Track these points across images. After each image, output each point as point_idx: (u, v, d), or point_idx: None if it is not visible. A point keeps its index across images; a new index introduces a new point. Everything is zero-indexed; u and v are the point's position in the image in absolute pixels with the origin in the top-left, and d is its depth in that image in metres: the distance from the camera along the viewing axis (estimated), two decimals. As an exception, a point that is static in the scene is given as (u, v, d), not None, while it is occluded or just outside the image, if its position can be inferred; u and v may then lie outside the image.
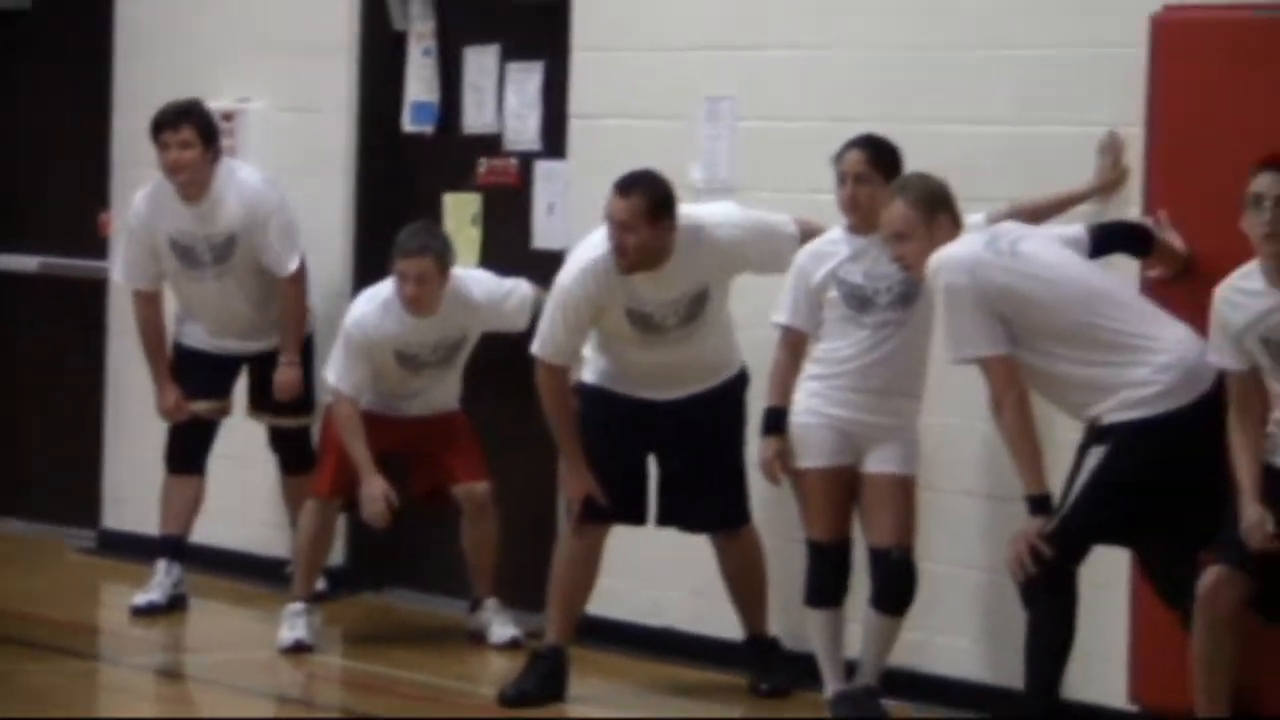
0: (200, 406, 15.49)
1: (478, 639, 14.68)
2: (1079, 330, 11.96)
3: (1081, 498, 11.69)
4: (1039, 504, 11.80)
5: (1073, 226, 12.42)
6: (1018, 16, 13.37)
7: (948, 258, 11.95)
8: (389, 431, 14.72)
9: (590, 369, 13.66)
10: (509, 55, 15.69)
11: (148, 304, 15.63)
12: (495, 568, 14.64)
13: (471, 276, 14.77)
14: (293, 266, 15.55)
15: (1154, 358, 11.79)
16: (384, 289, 14.29)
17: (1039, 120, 13.21)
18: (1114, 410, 11.79)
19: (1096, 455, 11.70)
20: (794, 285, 13.06)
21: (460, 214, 15.72)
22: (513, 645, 14.26)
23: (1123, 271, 12.45)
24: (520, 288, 14.46)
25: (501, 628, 14.53)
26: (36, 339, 18.76)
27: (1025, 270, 11.99)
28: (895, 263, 12.47)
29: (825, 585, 13.01)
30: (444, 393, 15.06)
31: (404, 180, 16.25)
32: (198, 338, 15.67)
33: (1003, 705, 12.56)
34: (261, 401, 15.59)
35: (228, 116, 15.92)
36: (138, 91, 17.06)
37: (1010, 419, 11.96)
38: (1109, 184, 12.82)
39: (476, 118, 15.85)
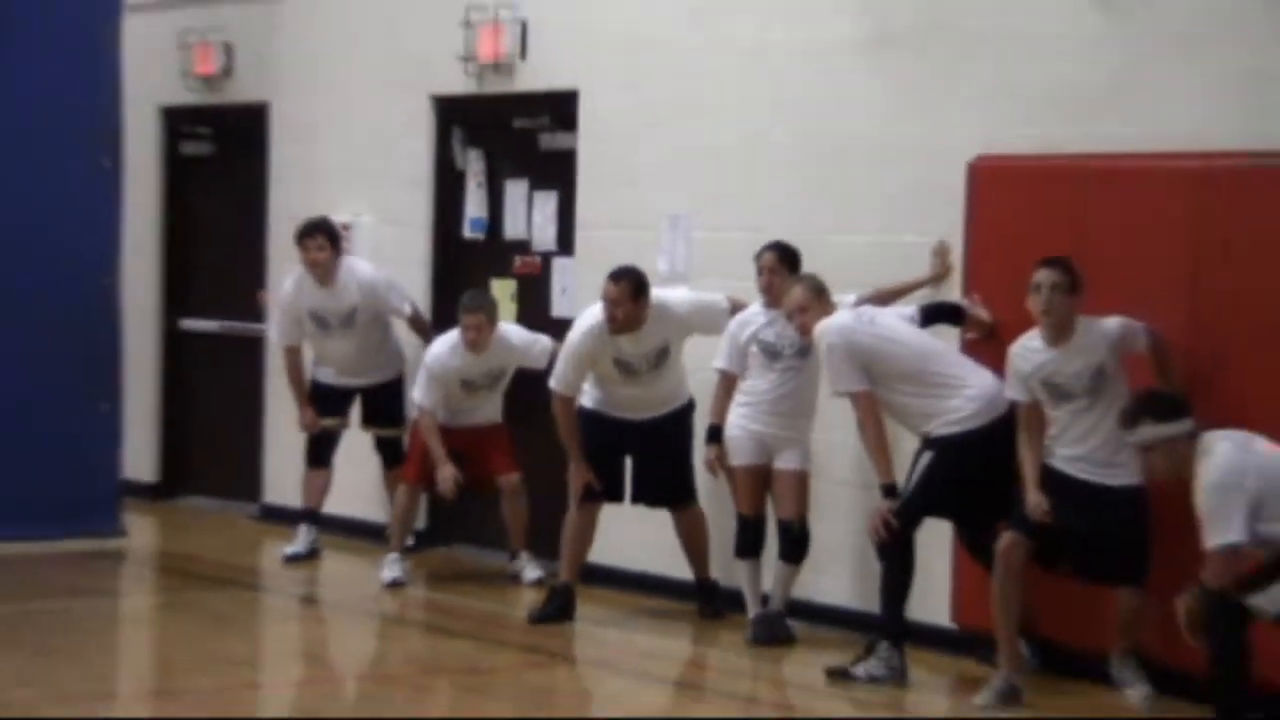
0: (328, 422, 16.25)
1: (514, 579, 15.25)
2: (914, 375, 12.53)
3: (917, 486, 12.50)
4: (889, 490, 12.51)
5: (909, 307, 13.03)
6: (882, 159, 13.56)
7: (829, 326, 12.67)
8: (453, 436, 15.24)
9: (588, 398, 14.25)
10: (535, 186, 16.28)
11: (292, 355, 16.20)
12: (525, 531, 15.32)
13: (510, 329, 15.34)
14: (407, 310, 16.11)
15: (965, 392, 12.39)
16: (451, 336, 14.88)
17: (893, 231, 13.59)
18: (938, 428, 12.45)
19: (926, 458, 12.52)
20: (728, 342, 13.77)
21: (502, 293, 16.16)
22: (538, 583, 14.79)
23: (950, 336, 12.92)
24: (542, 340, 14.99)
25: (530, 571, 15.14)
26: (217, 376, 19.09)
27: (880, 335, 12.64)
28: (796, 329, 13.03)
29: (748, 544, 13.81)
30: (492, 409, 15.56)
31: (463, 270, 16.62)
32: (328, 375, 16.27)
33: (868, 625, 12.75)
34: (370, 419, 16.34)
35: (346, 227, 16.40)
36: (285, 209, 17.57)
37: (870, 433, 12.66)
38: (939, 276, 13.38)
39: (513, 228, 16.48)
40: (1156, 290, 12.01)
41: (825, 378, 13.05)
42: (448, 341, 15.17)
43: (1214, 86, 12.03)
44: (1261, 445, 10.44)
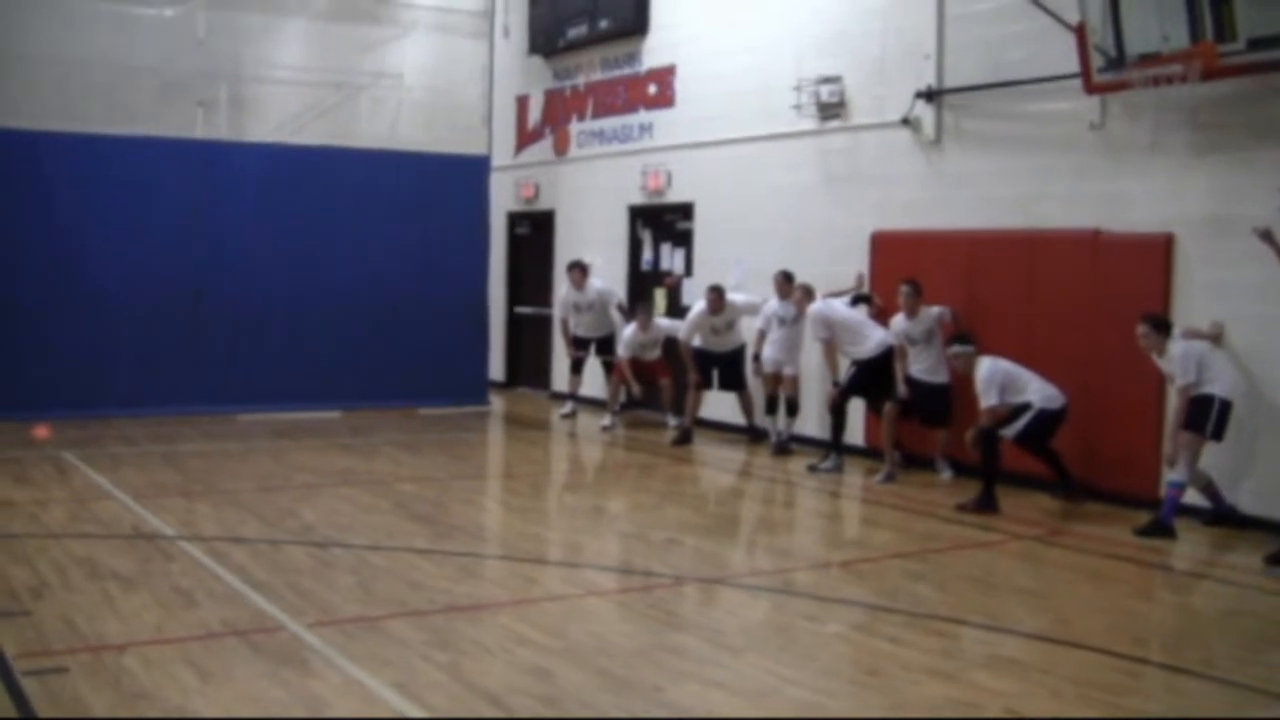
0: (580, 353, 15.81)
1: (665, 426, 14.73)
2: (849, 331, 12.29)
3: (847, 383, 12.33)
4: (836, 385, 12.41)
5: (846, 298, 12.67)
6: (830, 233, 13.34)
7: (812, 307, 12.58)
8: (639, 366, 14.69)
9: (697, 341, 13.90)
10: (673, 245, 15.69)
11: (565, 324, 15.79)
12: (672, 402, 14.76)
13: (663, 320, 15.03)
14: (615, 300, 15.72)
15: (871, 339, 12.15)
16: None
17: (837, 265, 13.09)
18: (858, 355, 12.22)
19: (853, 370, 12.33)
20: (762, 317, 13.52)
21: (659, 296, 15.52)
22: (676, 429, 14.14)
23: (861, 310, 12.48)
24: (680, 323, 14.20)
25: (673, 421, 14.59)
26: (535, 333, 18.06)
27: (835, 312, 12.44)
28: (795, 309, 13.08)
29: (771, 407, 13.69)
30: (656, 351, 14.81)
31: (645, 285, 15.96)
32: (579, 330, 15.71)
33: (825, 444, 12.46)
34: (600, 353, 15.80)
35: (585, 265, 15.57)
36: (562, 256, 16.91)
37: (828, 359, 12.55)
38: (859, 286, 12.88)
39: (664, 264, 15.80)
40: (949, 293, 11.86)
41: (807, 333, 12.85)
42: (632, 324, 14.84)
43: (979, 201, 11.86)
44: (1005, 362, 10.68)
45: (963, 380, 11.22)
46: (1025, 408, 10.55)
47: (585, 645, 6.44)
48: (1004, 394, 10.63)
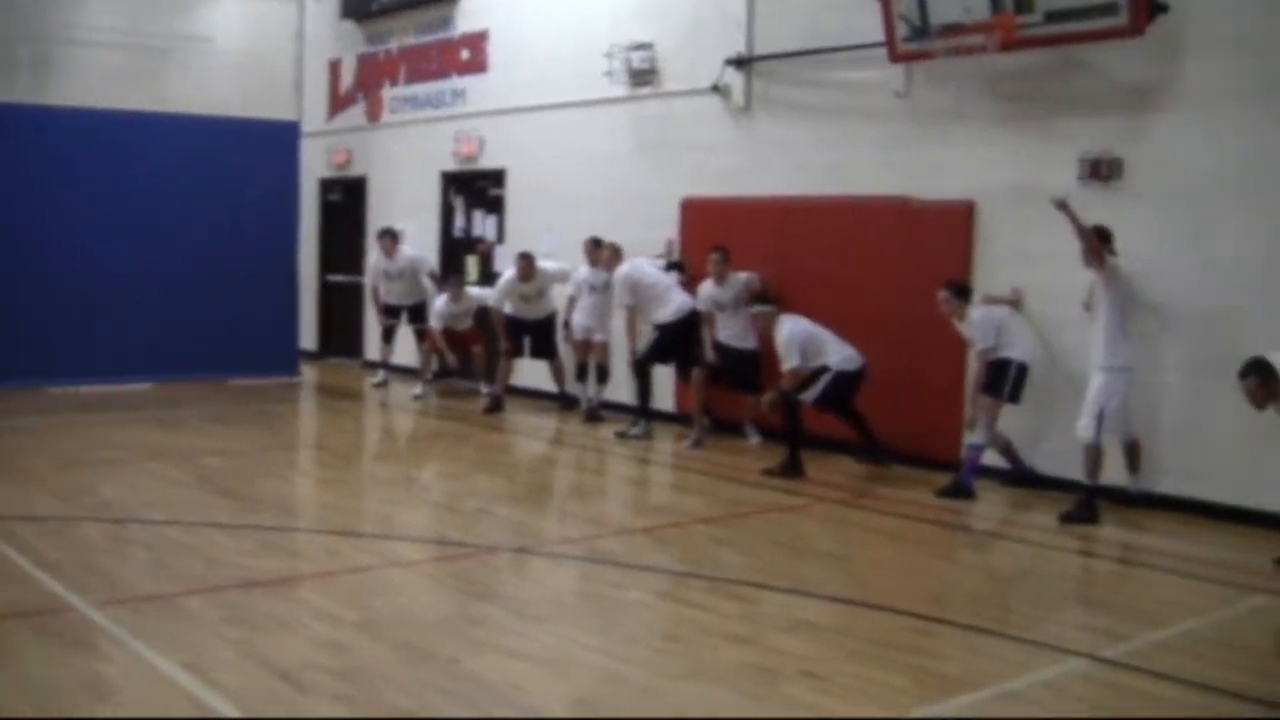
0: (391, 322, 15.45)
1: (478, 394, 14.53)
2: (656, 295, 12.18)
3: (650, 347, 12.28)
4: (634, 353, 12.42)
5: (660, 261, 12.75)
6: (643, 199, 13.31)
7: (620, 270, 12.41)
8: (451, 334, 14.51)
9: (508, 309, 13.72)
10: (486, 212, 15.53)
11: (375, 292, 15.45)
12: (484, 370, 14.57)
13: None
14: (427, 268, 15.30)
15: (674, 304, 12.10)
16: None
17: (649, 230, 13.09)
18: (660, 319, 12.17)
19: (655, 334, 12.25)
20: (573, 284, 13.54)
21: (472, 263, 15.56)
22: (488, 397, 14.06)
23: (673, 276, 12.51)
24: (491, 291, 13.92)
25: (485, 389, 14.30)
26: (342, 300, 17.83)
27: (642, 271, 12.37)
28: (606, 274, 12.94)
29: (581, 373, 13.63)
30: (468, 320, 14.64)
31: (458, 252, 15.84)
32: (390, 298, 15.31)
33: (634, 410, 12.27)
34: (412, 321, 15.26)
35: (396, 233, 15.34)
36: (373, 223, 16.75)
37: (629, 326, 12.50)
38: (670, 252, 12.99)
39: (476, 231, 15.65)
40: (760, 259, 11.88)
41: (615, 298, 12.72)
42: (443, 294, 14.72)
43: (790, 169, 11.94)
44: (805, 322, 10.79)
45: (770, 345, 11.17)
46: (823, 370, 10.65)
47: (385, 618, 6.34)
48: (805, 355, 10.70)
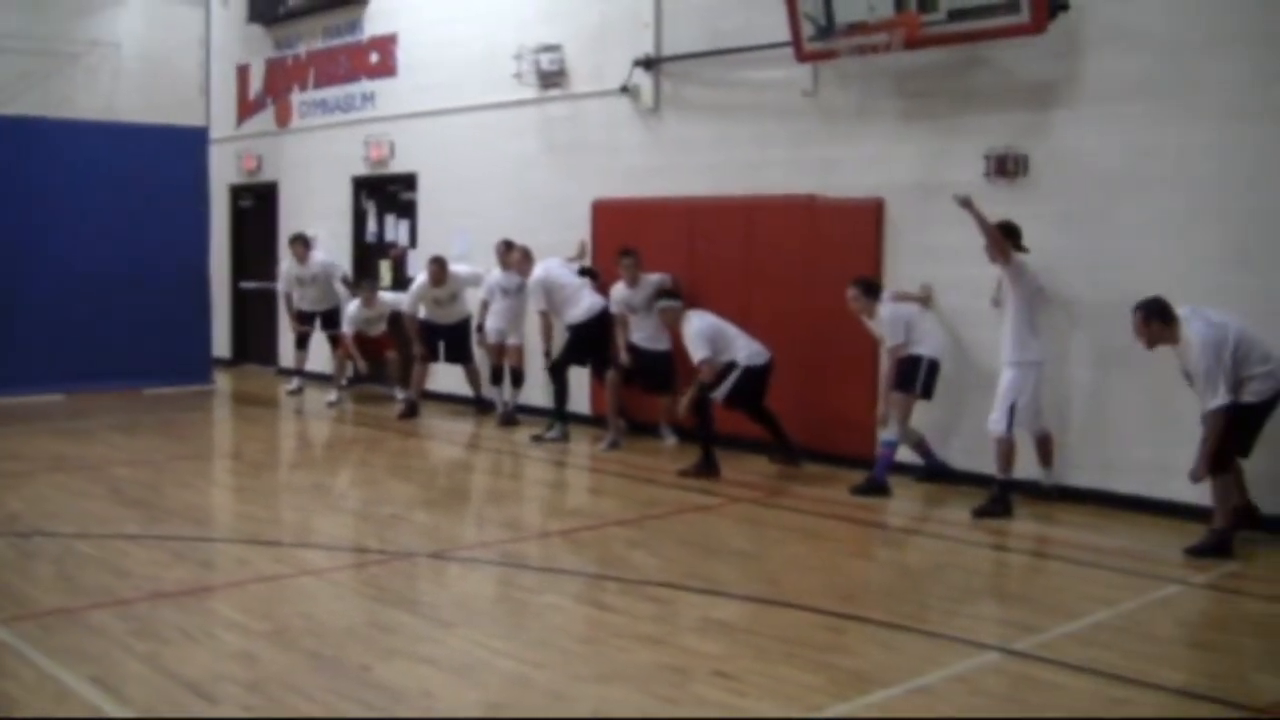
0: (305, 328, 15.34)
1: (392, 400, 14.45)
2: (568, 298, 12.18)
3: (565, 349, 12.20)
4: (548, 356, 12.42)
5: (574, 265, 12.65)
6: (555, 202, 13.27)
7: (534, 274, 12.29)
8: (364, 340, 14.32)
9: (422, 314, 13.70)
10: (398, 216, 15.41)
11: (288, 298, 15.21)
12: (398, 376, 14.47)
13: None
14: (339, 273, 15.13)
15: (583, 303, 12.10)
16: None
17: (560, 233, 13.05)
18: (573, 320, 12.13)
19: (570, 334, 12.19)
20: (485, 288, 13.36)
21: (385, 268, 15.45)
22: (403, 402, 14.00)
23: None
24: (404, 296, 13.88)
25: (399, 394, 14.23)
26: (255, 306, 17.78)
27: (554, 273, 12.29)
28: (519, 277, 12.76)
29: (496, 377, 13.52)
30: (381, 325, 14.44)
31: (370, 257, 15.68)
32: (303, 304, 15.12)
33: (550, 413, 12.22)
34: (325, 327, 15.17)
35: (308, 239, 15.05)
36: (286, 229, 16.40)
37: (545, 330, 12.43)
38: (582, 255, 12.94)
39: (389, 236, 15.54)
40: (672, 259, 11.82)
41: (530, 303, 12.66)
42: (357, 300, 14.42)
43: (699, 168, 11.95)
44: (712, 316, 10.76)
45: (683, 346, 11.10)
46: (731, 366, 10.62)
47: (295, 626, 6.29)
48: (714, 348, 10.62)
